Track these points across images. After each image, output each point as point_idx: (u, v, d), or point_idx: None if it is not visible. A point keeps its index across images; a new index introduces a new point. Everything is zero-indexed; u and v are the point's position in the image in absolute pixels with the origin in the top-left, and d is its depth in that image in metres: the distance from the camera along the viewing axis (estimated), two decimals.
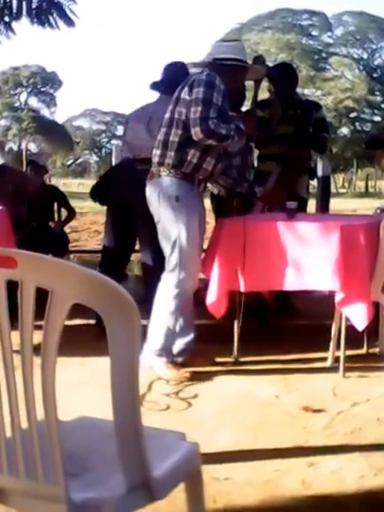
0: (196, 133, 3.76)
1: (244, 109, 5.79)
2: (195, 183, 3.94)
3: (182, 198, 3.88)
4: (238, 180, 4.48)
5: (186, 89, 3.85)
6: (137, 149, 4.82)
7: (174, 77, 4.61)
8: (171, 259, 3.92)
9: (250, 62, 4.18)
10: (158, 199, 3.93)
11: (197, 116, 3.75)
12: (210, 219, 5.42)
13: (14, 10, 8.44)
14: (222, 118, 3.79)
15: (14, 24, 8.67)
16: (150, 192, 3.99)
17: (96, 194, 5.16)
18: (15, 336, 1.47)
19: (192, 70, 4.09)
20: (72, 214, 6.82)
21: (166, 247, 3.96)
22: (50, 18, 8.61)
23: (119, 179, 4.89)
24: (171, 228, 3.90)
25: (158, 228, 4.03)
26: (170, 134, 3.90)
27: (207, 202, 5.80)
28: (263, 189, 5.14)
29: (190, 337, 4.04)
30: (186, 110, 3.83)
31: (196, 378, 3.84)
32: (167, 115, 3.96)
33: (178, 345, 4.03)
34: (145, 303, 3.79)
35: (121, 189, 4.83)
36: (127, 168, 4.83)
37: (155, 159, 3.97)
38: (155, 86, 4.89)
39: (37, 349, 1.45)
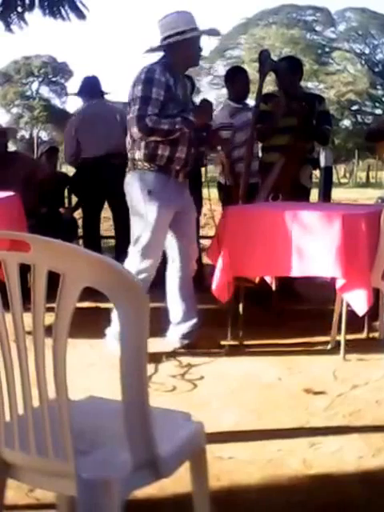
0: (135, 132, 3.79)
1: (249, 101, 5.85)
2: (172, 175, 3.94)
3: (155, 192, 3.88)
4: None
5: (131, 88, 3.87)
6: (102, 147, 5.58)
7: (88, 86, 5.96)
8: (134, 250, 3.97)
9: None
10: (132, 191, 3.97)
11: (134, 115, 3.76)
12: (217, 207, 5.49)
13: (27, 2, 8.46)
14: (165, 112, 3.77)
15: (26, 15, 8.70)
16: (127, 183, 4.02)
17: (81, 190, 6.11)
18: (27, 318, 1.50)
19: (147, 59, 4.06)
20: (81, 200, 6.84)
21: (131, 237, 4.01)
22: (62, 10, 8.64)
23: (103, 174, 5.48)
24: (137, 223, 3.95)
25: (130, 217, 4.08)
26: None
27: (214, 192, 5.89)
28: (267, 179, 5.18)
29: (194, 320, 4.10)
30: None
31: (202, 360, 3.90)
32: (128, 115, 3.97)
33: (183, 328, 4.10)
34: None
35: (105, 181, 5.48)
36: (103, 163, 5.50)
37: (129, 155, 3.99)
38: (78, 94, 6.10)
39: (48, 330, 1.48)
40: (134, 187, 3.95)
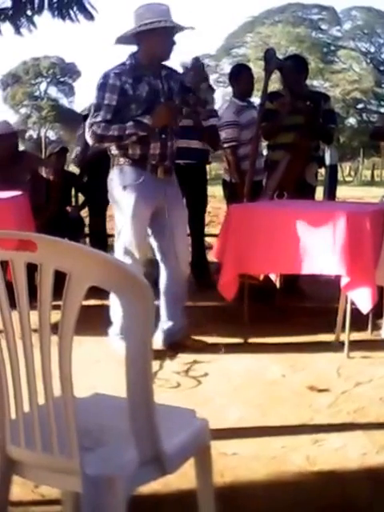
0: (88, 139, 3.86)
1: (254, 99, 5.85)
2: (147, 169, 3.90)
3: (131, 186, 3.89)
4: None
5: None
6: None
7: None
8: (117, 246, 4.00)
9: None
10: (112, 186, 3.99)
11: (86, 122, 3.83)
12: (222, 205, 5.49)
13: (36, 5, 8.48)
14: (126, 114, 3.75)
15: (35, 17, 8.73)
16: (109, 179, 4.03)
17: (87, 188, 6.29)
18: (33, 316, 1.51)
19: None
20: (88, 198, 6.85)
21: (115, 232, 4.06)
22: (71, 12, 8.64)
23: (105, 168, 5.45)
24: (118, 218, 3.99)
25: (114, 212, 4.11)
26: None
27: (219, 189, 5.86)
28: (273, 177, 5.19)
29: (178, 320, 4.10)
30: None
31: (206, 357, 3.91)
32: None
33: (166, 326, 4.10)
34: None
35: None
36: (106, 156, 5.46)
37: (108, 152, 4.02)
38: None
39: (54, 328, 1.50)
40: (113, 182, 3.99)
